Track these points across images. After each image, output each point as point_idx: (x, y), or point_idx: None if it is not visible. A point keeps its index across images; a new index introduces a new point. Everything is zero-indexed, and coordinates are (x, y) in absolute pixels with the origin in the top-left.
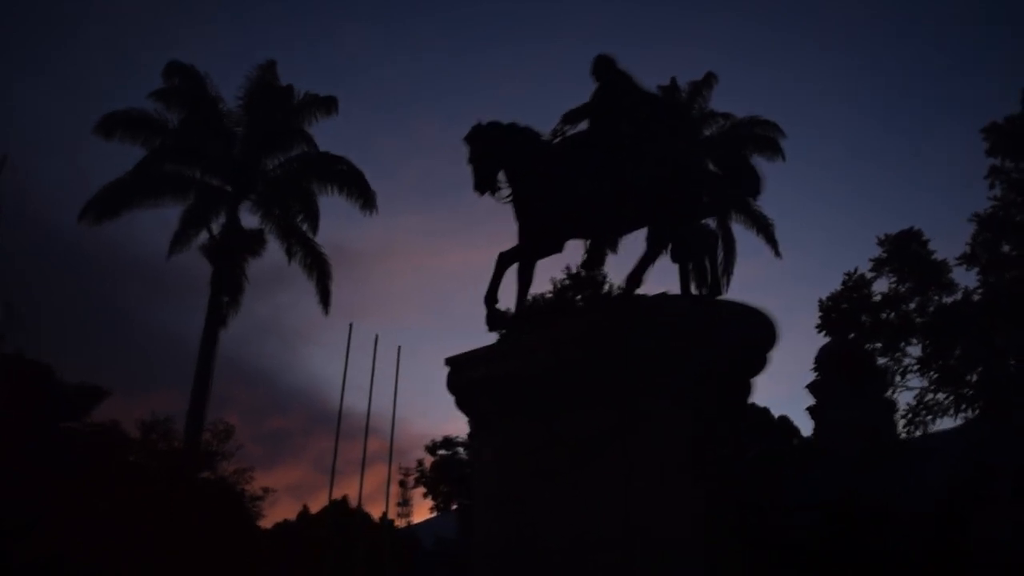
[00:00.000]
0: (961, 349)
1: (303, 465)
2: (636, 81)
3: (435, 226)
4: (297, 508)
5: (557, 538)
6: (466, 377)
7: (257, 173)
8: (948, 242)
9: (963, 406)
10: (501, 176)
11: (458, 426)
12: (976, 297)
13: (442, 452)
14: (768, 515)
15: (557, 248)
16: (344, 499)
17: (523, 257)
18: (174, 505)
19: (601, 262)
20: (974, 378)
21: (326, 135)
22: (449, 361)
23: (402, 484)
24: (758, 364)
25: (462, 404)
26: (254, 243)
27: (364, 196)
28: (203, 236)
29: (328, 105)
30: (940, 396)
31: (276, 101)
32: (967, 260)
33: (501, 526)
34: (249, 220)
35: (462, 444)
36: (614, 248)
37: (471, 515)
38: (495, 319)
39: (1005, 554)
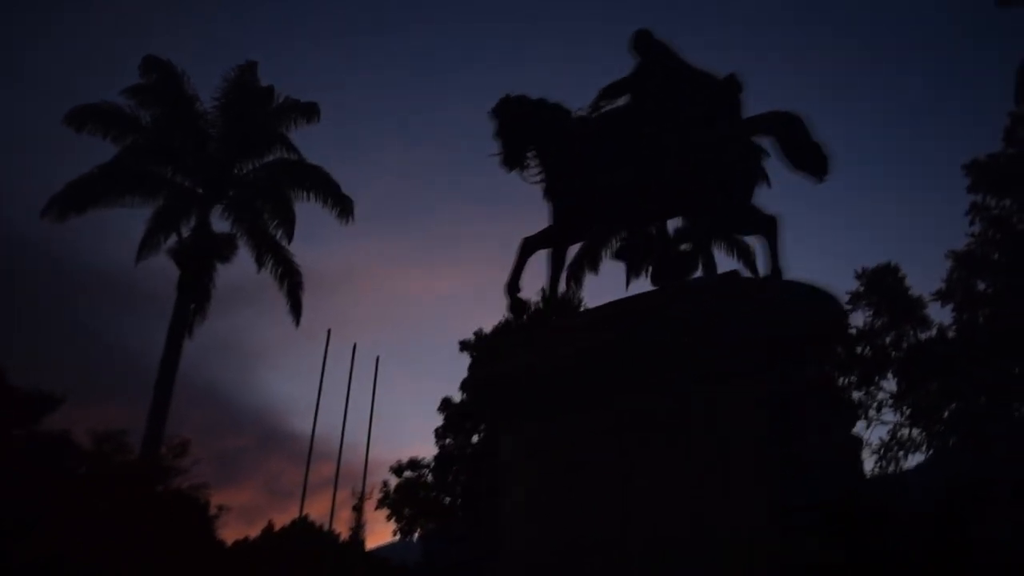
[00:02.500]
0: (938, 384)
1: (253, 487)
2: (678, 58)
3: (398, 250)
4: (246, 530)
5: (555, 540)
6: (473, 376)
7: (231, 176)
8: (929, 277)
9: (935, 442)
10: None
11: (426, 449)
12: (951, 334)
13: (408, 474)
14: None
15: (586, 235)
16: (305, 519)
17: (552, 242)
18: (138, 516)
19: (639, 253)
20: (946, 415)
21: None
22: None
23: (356, 509)
24: (791, 361)
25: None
26: (224, 248)
27: (341, 204)
28: (172, 240)
29: (309, 112)
30: (913, 432)
31: (255, 103)
32: (942, 297)
33: (509, 525)
34: (220, 226)
35: (427, 467)
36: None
37: (432, 539)
38: (517, 309)
39: (1005, 554)
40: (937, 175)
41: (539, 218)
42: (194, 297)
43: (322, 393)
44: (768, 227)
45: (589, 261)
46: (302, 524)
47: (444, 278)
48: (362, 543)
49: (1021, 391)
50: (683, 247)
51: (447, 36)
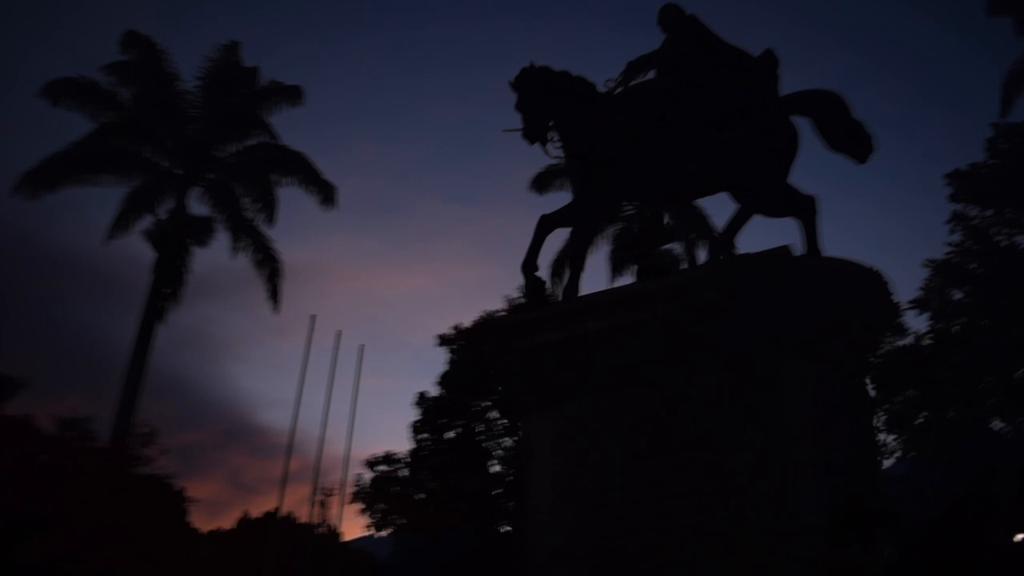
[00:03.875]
0: (915, 391)
1: (215, 480)
2: (710, 32)
3: (373, 245)
4: (209, 522)
5: (558, 539)
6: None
7: (211, 158)
8: (909, 284)
9: (910, 449)
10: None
11: (396, 443)
12: (927, 342)
13: (382, 468)
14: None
15: (613, 215)
16: (278, 510)
17: (571, 221)
18: (121, 503)
19: (662, 238)
20: (920, 421)
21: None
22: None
23: (321, 504)
24: (803, 360)
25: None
26: (202, 231)
27: (324, 191)
28: (146, 221)
29: (293, 95)
30: (888, 438)
31: (238, 83)
32: (919, 305)
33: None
34: (198, 209)
35: (401, 460)
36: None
37: (405, 536)
38: (534, 289)
39: (1015, 559)
40: (919, 183)
41: (519, 219)
42: (169, 281)
43: (296, 383)
44: (806, 207)
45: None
46: (277, 515)
47: (419, 275)
48: (338, 535)
49: (997, 402)
50: (668, 246)
51: (429, 35)
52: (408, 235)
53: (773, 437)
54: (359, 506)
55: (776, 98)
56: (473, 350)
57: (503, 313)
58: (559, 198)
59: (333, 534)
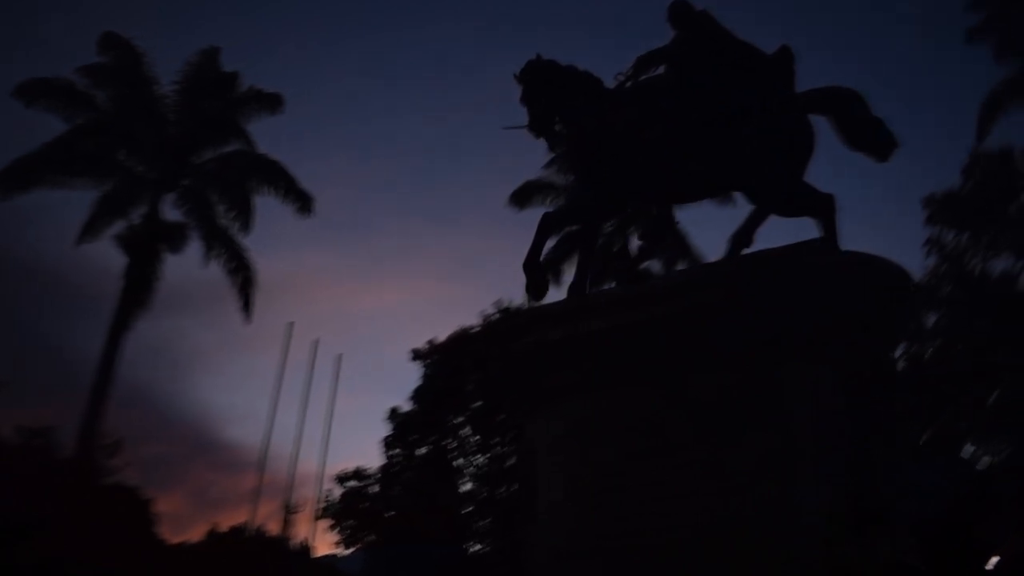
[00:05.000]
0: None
1: (178, 495)
2: (723, 28)
3: (347, 259)
4: (173, 538)
5: (570, 531)
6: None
7: (188, 164)
8: None
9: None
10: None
11: (369, 459)
12: (901, 365)
13: (353, 483)
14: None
15: (618, 212)
16: (246, 525)
17: (576, 219)
18: (82, 510)
19: (662, 239)
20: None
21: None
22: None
23: (287, 520)
24: (806, 361)
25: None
26: (175, 237)
27: (300, 199)
28: (118, 226)
29: (272, 103)
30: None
31: (217, 89)
32: None
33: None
34: (172, 216)
35: (372, 476)
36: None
37: (375, 553)
38: (537, 287)
39: (1014, 561)
40: (897, 206)
41: (499, 235)
42: (139, 288)
43: (267, 397)
44: (824, 206)
45: (552, 273)
46: (247, 530)
47: (396, 289)
48: (309, 551)
49: (971, 425)
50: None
51: (403, 47)
52: (385, 248)
53: (773, 437)
54: (328, 522)
55: (780, 96)
56: (447, 365)
57: (477, 329)
58: (540, 213)
59: (304, 550)
